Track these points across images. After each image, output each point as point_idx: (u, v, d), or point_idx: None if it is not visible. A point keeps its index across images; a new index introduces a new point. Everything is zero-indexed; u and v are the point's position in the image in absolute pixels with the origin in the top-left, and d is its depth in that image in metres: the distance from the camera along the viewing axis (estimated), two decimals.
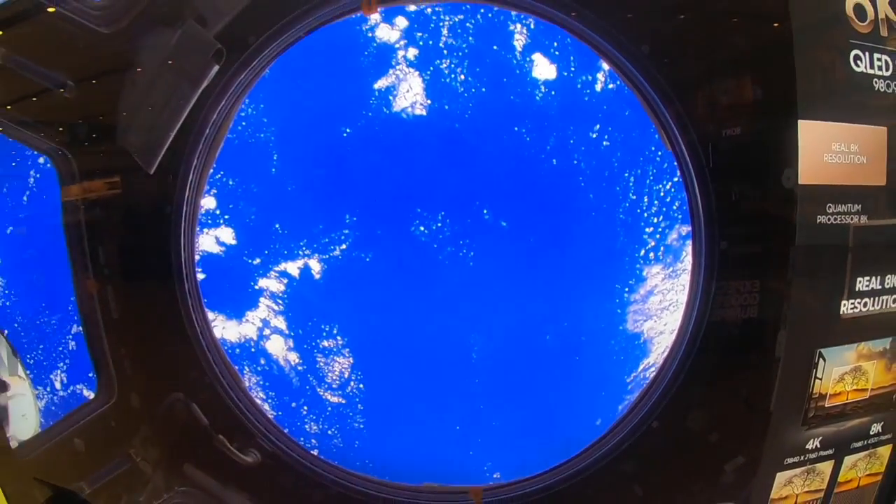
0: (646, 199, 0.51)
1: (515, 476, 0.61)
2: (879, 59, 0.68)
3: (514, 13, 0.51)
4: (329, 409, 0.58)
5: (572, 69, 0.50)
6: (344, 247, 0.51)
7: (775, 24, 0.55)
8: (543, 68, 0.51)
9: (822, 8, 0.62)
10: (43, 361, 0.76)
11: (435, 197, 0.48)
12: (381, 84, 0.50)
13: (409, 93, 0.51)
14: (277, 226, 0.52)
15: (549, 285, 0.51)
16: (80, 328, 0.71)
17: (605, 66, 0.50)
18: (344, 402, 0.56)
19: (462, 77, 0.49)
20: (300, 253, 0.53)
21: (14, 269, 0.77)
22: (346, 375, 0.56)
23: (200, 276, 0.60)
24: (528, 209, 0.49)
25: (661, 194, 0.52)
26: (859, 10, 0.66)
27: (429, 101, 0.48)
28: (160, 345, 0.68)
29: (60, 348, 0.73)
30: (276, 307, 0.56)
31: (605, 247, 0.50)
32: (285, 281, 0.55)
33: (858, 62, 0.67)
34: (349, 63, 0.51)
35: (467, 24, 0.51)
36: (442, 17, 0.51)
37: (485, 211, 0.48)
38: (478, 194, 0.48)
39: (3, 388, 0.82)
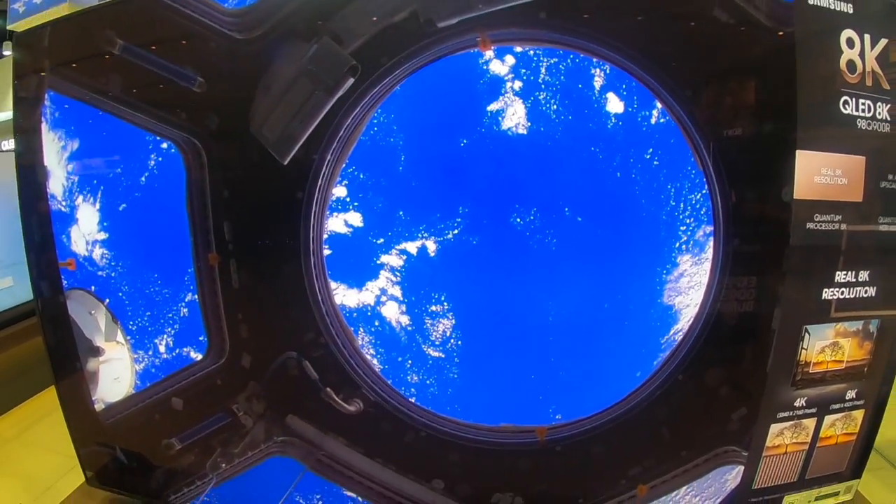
0: (681, 206, 0.79)
1: (572, 417, 0.89)
2: (863, 104, 0.99)
3: (595, 59, 0.78)
4: (430, 362, 0.82)
5: (635, 106, 0.76)
6: (456, 232, 0.75)
7: (783, 81, 0.85)
8: (614, 104, 0.77)
9: (821, 65, 0.92)
10: (148, 327, 0.96)
11: (529, 196, 0.72)
12: (492, 107, 0.73)
13: (514, 115, 0.75)
14: (401, 213, 0.72)
15: (609, 267, 0.76)
16: (196, 297, 0.92)
17: (659, 104, 0.78)
18: (443, 356, 0.80)
19: (554, 107, 0.76)
20: (419, 235, 0.73)
21: (125, 243, 0.97)
22: (447, 334, 0.81)
23: (326, 252, 0.84)
24: (598, 210, 0.73)
25: (693, 202, 0.80)
26: (851, 64, 0.97)
27: (529, 124, 0.70)
28: (279, 311, 0.89)
29: (171, 315, 0.94)
30: (394, 279, 0.80)
31: (651, 239, 0.75)
32: (404, 257, 0.78)
33: (846, 106, 0.98)
34: (468, 88, 0.71)
35: (560, 66, 0.77)
36: (542, 58, 0.76)
37: (566, 209, 0.72)
38: (561, 196, 0.72)
39: (96, 353, 1.02)
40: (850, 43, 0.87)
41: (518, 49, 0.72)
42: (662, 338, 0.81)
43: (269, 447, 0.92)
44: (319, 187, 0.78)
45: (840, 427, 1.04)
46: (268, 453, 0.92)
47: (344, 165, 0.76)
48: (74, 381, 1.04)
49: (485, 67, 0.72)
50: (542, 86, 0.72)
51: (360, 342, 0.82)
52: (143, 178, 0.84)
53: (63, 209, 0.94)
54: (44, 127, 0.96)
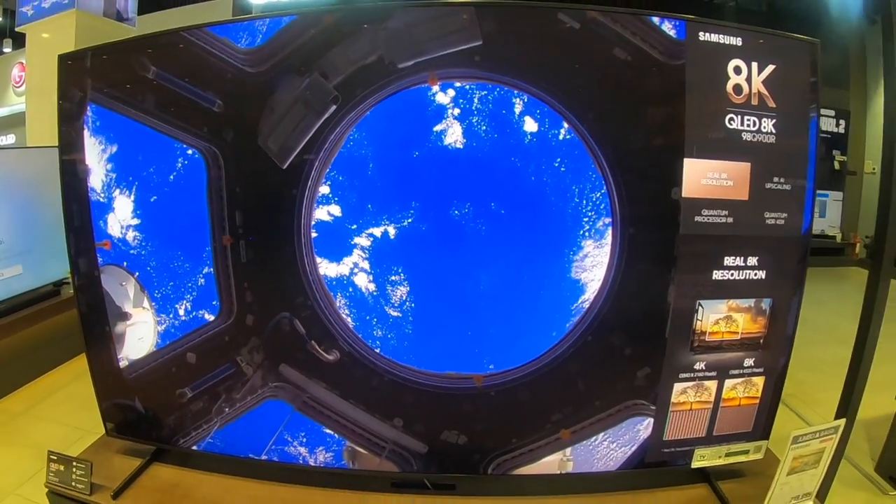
0: (584, 202, 1.21)
1: (503, 368, 1.31)
2: (749, 120, 1.39)
3: (515, 91, 1.20)
4: (390, 320, 1.22)
5: (546, 125, 1.17)
6: (410, 220, 1.13)
7: (674, 103, 1.27)
8: (530, 125, 1.17)
9: (709, 89, 1.33)
10: (171, 295, 1.40)
11: (465, 194, 1.05)
12: (437, 127, 1.11)
13: (453, 134, 1.17)
14: (370, 205, 1.07)
15: (529, 248, 1.07)
16: (211, 270, 1.35)
17: (566, 124, 1.20)
18: (400, 315, 1.18)
19: (484, 127, 1.18)
20: (382, 223, 1.09)
21: (155, 228, 1.41)
22: (404, 298, 1.22)
23: (314, 235, 1.27)
24: (518, 204, 1.06)
25: (594, 199, 1.22)
26: (737, 87, 1.38)
27: (465, 140, 1.03)
28: (276, 280, 1.32)
29: (190, 284, 1.37)
30: (363, 255, 1.22)
31: (561, 228, 1.07)
32: (371, 239, 1.18)
33: (732, 122, 1.38)
34: (420, 113, 1.09)
35: (489, 96, 1.18)
36: (476, 91, 1.18)
37: (493, 204, 1.07)
38: (489, 195, 1.04)
39: (125, 318, 1.46)
40: (738, 70, 1.27)
41: (457, 84, 1.14)
42: (572, 305, 1.21)
43: (265, 392, 1.34)
44: (309, 186, 1.20)
45: (742, 391, 1.43)
46: (263, 397, 1.35)
47: (328, 170, 1.19)
48: (102, 344, 1.48)
49: (432, 98, 1.15)
50: (475, 111, 1.14)
51: (337, 304, 1.24)
52: (171, 177, 1.27)
53: (101, 200, 1.39)
54: (85, 133, 1.41)
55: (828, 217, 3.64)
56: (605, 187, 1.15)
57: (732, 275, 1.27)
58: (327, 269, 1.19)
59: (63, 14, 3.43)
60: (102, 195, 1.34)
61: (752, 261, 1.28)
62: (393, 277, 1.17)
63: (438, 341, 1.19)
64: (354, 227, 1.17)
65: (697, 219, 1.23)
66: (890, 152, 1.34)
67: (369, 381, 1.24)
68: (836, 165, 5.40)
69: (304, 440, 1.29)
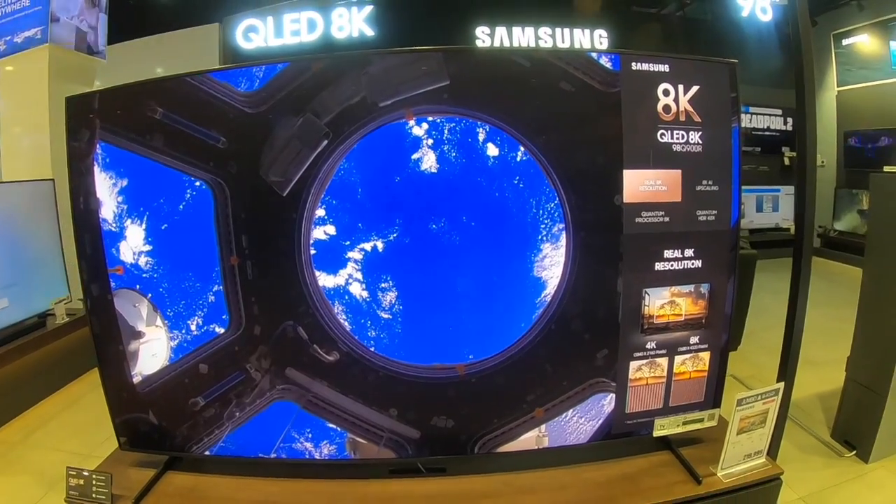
0: (540, 211, 1.48)
1: (481, 357, 1.55)
2: (678, 134, 1.71)
3: (479, 122, 1.48)
4: (382, 322, 1.46)
5: (506, 150, 1.45)
6: (395, 235, 1.41)
7: (613, 124, 1.57)
8: (492, 150, 1.44)
9: (641, 110, 1.64)
10: (182, 313, 1.59)
11: (441, 210, 1.26)
12: (415, 156, 1.39)
13: (428, 161, 1.43)
14: (360, 224, 1.40)
15: (496, 253, 1.30)
16: (221, 287, 1.55)
17: (522, 147, 1.48)
18: (391, 317, 1.45)
19: (454, 154, 1.45)
20: (371, 238, 1.41)
21: (166, 252, 1.60)
22: (392, 302, 1.46)
23: (312, 252, 1.49)
24: (485, 217, 1.27)
25: (549, 209, 1.50)
26: (666, 107, 1.69)
27: (438, 165, 1.28)
28: (280, 293, 1.53)
29: (201, 302, 1.56)
30: (357, 267, 1.45)
31: (522, 234, 1.30)
32: (363, 253, 1.45)
33: (663, 136, 1.69)
34: (399, 144, 1.40)
35: (456, 128, 1.45)
36: (445, 123, 1.44)
37: (464, 217, 1.35)
38: (461, 209, 1.27)
39: (138, 336, 1.64)
40: (667, 92, 1.58)
41: (430, 118, 1.41)
42: (536, 299, 1.48)
43: (273, 394, 1.54)
44: (307, 210, 1.44)
45: (691, 365, 1.71)
46: (272, 399, 1.54)
47: (323, 195, 1.43)
48: (115, 362, 1.65)
49: (409, 131, 1.41)
50: (446, 141, 1.41)
51: (336, 311, 1.47)
52: (181, 206, 1.48)
53: (114, 229, 1.58)
54: (96, 169, 1.60)
55: (780, 211, 4.05)
56: (557, 198, 1.43)
57: (672, 265, 1.55)
58: (325, 280, 1.42)
59: (36, 49, 3.58)
60: (114, 225, 1.54)
61: (689, 252, 1.56)
62: (383, 285, 1.41)
63: (425, 337, 1.43)
64: (348, 243, 1.40)
65: (638, 220, 1.51)
66: (803, 148, 1.65)
67: (366, 377, 1.46)
68: (787, 161, 5.90)
69: (310, 435, 1.50)
